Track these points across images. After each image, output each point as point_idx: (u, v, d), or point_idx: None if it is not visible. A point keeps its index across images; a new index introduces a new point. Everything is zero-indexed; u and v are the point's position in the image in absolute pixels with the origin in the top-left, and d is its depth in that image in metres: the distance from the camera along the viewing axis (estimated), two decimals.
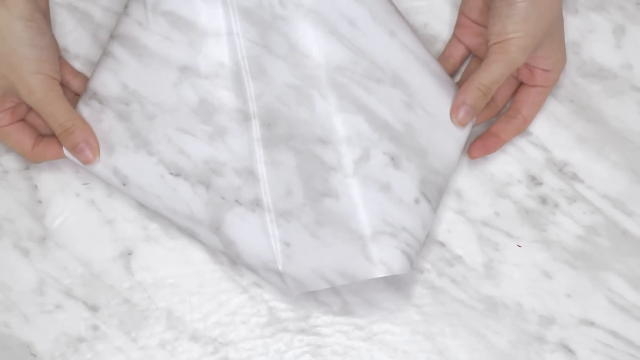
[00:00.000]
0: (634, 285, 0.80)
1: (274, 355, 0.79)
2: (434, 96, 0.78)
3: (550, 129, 0.82)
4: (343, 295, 0.80)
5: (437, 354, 0.79)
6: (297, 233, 0.75)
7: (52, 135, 0.78)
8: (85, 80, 0.80)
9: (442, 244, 0.81)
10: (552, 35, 0.77)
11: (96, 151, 0.77)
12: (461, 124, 0.77)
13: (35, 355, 0.79)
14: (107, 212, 0.81)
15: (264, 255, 0.76)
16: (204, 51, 0.77)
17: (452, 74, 0.82)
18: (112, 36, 0.78)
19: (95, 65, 0.79)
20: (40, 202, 0.81)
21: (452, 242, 0.81)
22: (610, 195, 0.82)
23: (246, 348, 0.79)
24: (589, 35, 0.84)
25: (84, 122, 0.77)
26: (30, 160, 0.78)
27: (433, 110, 0.77)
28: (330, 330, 0.79)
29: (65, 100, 0.76)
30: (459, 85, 0.80)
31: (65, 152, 0.77)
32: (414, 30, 0.79)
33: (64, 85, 0.80)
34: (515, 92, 0.81)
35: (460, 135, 0.78)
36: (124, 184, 0.77)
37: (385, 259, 0.74)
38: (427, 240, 0.80)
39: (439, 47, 0.84)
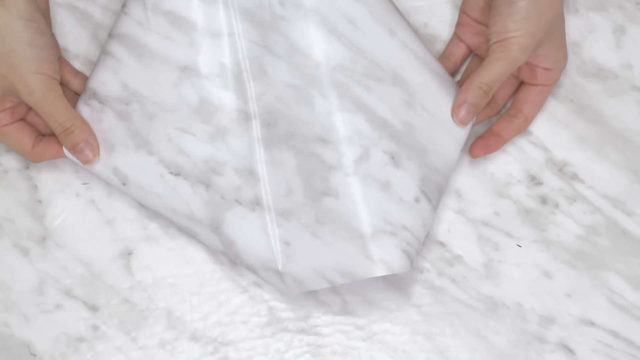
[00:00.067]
0: (634, 285, 0.80)
1: (274, 355, 0.79)
2: (433, 95, 0.78)
3: (550, 129, 0.82)
4: (343, 295, 0.80)
5: (437, 354, 0.79)
6: (297, 232, 0.75)
7: (52, 135, 0.78)
8: (86, 79, 0.80)
9: (442, 244, 0.81)
10: (553, 34, 0.77)
11: (96, 151, 0.77)
12: (462, 123, 0.77)
13: (35, 355, 0.79)
14: (107, 211, 0.81)
15: (263, 255, 0.76)
16: (204, 51, 0.77)
17: (453, 73, 0.82)
18: (111, 35, 0.78)
19: (94, 65, 0.79)
20: (40, 201, 0.81)
21: (452, 242, 0.81)
22: (610, 195, 0.82)
23: (246, 348, 0.79)
24: (589, 35, 0.84)
25: (83, 121, 0.77)
26: (30, 159, 0.78)
27: (433, 109, 0.77)
28: (330, 330, 0.79)
29: (65, 100, 0.76)
30: (460, 84, 0.80)
31: (65, 151, 0.77)
32: (414, 29, 0.79)
33: (64, 85, 0.80)
34: (516, 91, 0.81)
35: (460, 134, 0.78)
36: (123, 184, 0.77)
37: (385, 257, 0.74)
38: (427, 240, 0.80)
39: (439, 46, 0.84)
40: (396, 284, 0.80)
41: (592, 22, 0.84)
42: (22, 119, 0.78)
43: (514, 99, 0.81)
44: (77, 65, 0.82)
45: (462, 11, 0.82)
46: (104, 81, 0.78)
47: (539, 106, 0.81)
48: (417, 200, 0.75)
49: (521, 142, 0.82)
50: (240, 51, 0.76)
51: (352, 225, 0.74)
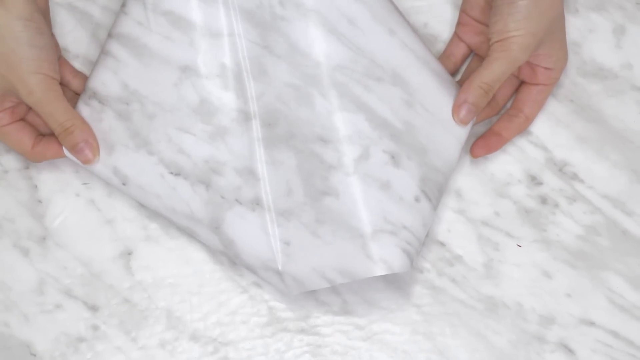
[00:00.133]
0: (634, 285, 0.80)
1: (274, 355, 0.79)
2: (434, 94, 0.78)
3: (550, 129, 0.82)
4: (343, 294, 0.80)
5: (437, 354, 0.79)
6: (297, 232, 0.75)
7: (52, 135, 0.78)
8: (86, 79, 0.80)
9: (442, 244, 0.81)
10: (553, 33, 0.77)
11: (96, 151, 0.77)
12: (463, 122, 0.77)
13: (35, 355, 0.79)
14: (107, 211, 0.81)
15: (263, 255, 0.76)
16: (204, 51, 0.77)
17: (453, 73, 0.82)
18: (111, 35, 0.78)
19: (94, 65, 0.79)
20: (40, 201, 0.81)
21: (452, 242, 0.81)
22: (610, 195, 0.82)
23: (246, 348, 0.79)
24: (589, 35, 0.84)
25: (83, 121, 0.77)
26: (30, 159, 0.78)
27: (433, 109, 0.77)
28: (330, 330, 0.79)
29: (65, 100, 0.76)
30: (460, 84, 0.80)
31: (65, 151, 0.77)
32: (414, 29, 0.79)
33: (64, 84, 0.80)
34: (516, 91, 0.81)
35: (460, 133, 0.78)
36: (123, 184, 0.77)
37: (385, 257, 0.74)
38: (427, 240, 0.80)
39: (440, 46, 0.84)
40: (396, 284, 0.80)
41: (592, 22, 0.84)
42: (22, 119, 0.78)
43: (515, 99, 0.81)
44: (77, 65, 0.82)
45: (463, 11, 0.82)
46: (104, 81, 0.78)
47: (539, 106, 0.81)
48: (417, 199, 0.75)
49: (521, 142, 0.82)
50: (241, 51, 0.77)
51: (352, 224, 0.74)
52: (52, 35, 0.80)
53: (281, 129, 0.76)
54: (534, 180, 0.82)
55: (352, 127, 0.75)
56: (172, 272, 0.80)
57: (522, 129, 0.81)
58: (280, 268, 0.76)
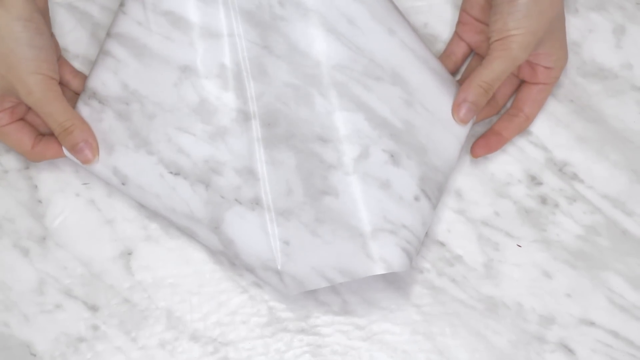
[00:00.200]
0: (634, 285, 0.80)
1: (274, 355, 0.79)
2: (433, 93, 0.78)
3: (550, 129, 0.82)
4: (343, 294, 0.80)
5: (437, 354, 0.79)
6: (296, 231, 0.75)
7: (52, 135, 0.78)
8: (85, 79, 0.80)
9: (442, 244, 0.81)
10: (553, 32, 0.77)
11: (95, 151, 0.77)
12: (463, 122, 0.78)
13: (35, 355, 0.79)
14: (107, 211, 0.81)
15: (263, 254, 0.76)
16: (204, 51, 0.77)
17: (454, 72, 0.82)
18: (110, 35, 0.78)
19: (93, 64, 0.79)
20: (40, 201, 0.81)
21: (452, 242, 0.81)
22: (610, 195, 0.82)
23: (246, 348, 0.79)
24: (589, 35, 0.84)
25: (83, 121, 0.77)
26: (30, 159, 0.78)
27: (433, 108, 0.77)
28: (330, 330, 0.79)
29: (64, 100, 0.76)
30: (460, 83, 0.80)
31: (65, 151, 0.77)
32: (414, 29, 0.79)
33: (64, 85, 0.80)
34: (516, 91, 0.81)
35: (460, 133, 0.78)
36: (123, 184, 0.77)
37: (385, 256, 0.74)
38: (427, 240, 0.80)
39: (440, 46, 0.84)
40: (396, 283, 0.80)
41: (592, 22, 0.84)
42: (22, 119, 0.78)
43: (515, 98, 0.81)
44: (77, 65, 0.82)
45: (463, 10, 0.82)
46: (104, 81, 0.78)
47: (539, 105, 0.81)
48: (416, 198, 0.75)
49: (521, 142, 0.82)
50: (240, 51, 0.77)
51: (351, 223, 0.74)
52: (52, 36, 0.80)
53: (281, 129, 0.76)
54: (534, 180, 0.82)
55: (351, 126, 0.75)
56: (172, 272, 0.80)
57: (523, 129, 0.81)
58: (279, 268, 0.76)
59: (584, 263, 0.80)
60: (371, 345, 0.79)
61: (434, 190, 0.77)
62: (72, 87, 0.81)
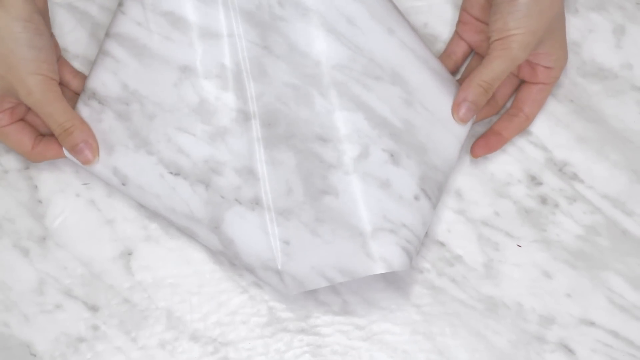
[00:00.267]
0: (634, 285, 0.80)
1: (274, 355, 0.79)
2: (433, 93, 0.78)
3: (550, 129, 0.82)
4: (343, 295, 0.80)
5: (437, 354, 0.79)
6: (296, 231, 0.75)
7: (52, 135, 0.78)
8: (85, 80, 0.80)
9: (442, 244, 0.81)
10: (553, 32, 0.77)
11: (95, 151, 0.77)
12: (462, 121, 0.78)
13: (35, 355, 0.79)
14: (107, 212, 0.81)
15: (263, 254, 0.76)
16: (204, 52, 0.77)
17: (454, 72, 0.82)
18: (109, 35, 0.78)
19: (92, 64, 0.79)
20: (40, 202, 0.81)
21: (452, 242, 0.81)
22: (610, 195, 0.82)
23: (246, 348, 0.79)
24: (589, 35, 0.84)
25: (83, 122, 0.77)
26: (31, 160, 0.78)
27: (432, 107, 0.77)
28: (330, 330, 0.79)
29: (64, 101, 0.76)
30: (460, 82, 0.80)
31: (65, 152, 0.77)
32: (413, 28, 0.79)
33: (64, 85, 0.80)
34: (516, 90, 0.81)
35: (460, 132, 0.78)
36: (123, 184, 0.77)
37: (385, 255, 0.74)
38: (427, 240, 0.80)
39: (440, 46, 0.84)
40: (396, 283, 0.80)
41: (592, 22, 0.84)
42: (22, 120, 0.78)
43: (515, 98, 0.81)
44: (77, 65, 0.82)
45: (463, 9, 0.82)
46: (104, 81, 0.78)
47: (539, 105, 0.81)
48: (416, 198, 0.75)
49: (521, 142, 0.82)
50: (240, 52, 0.77)
51: (351, 223, 0.74)
52: (52, 36, 0.80)
53: (281, 129, 0.76)
54: (534, 180, 0.82)
55: (351, 126, 0.75)
56: (172, 272, 0.80)
57: (522, 129, 0.81)
58: (279, 267, 0.76)
59: (584, 263, 0.80)
60: (371, 345, 0.79)
61: (434, 189, 0.77)
62: (72, 87, 0.80)
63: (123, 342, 0.79)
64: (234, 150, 0.77)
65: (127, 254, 0.80)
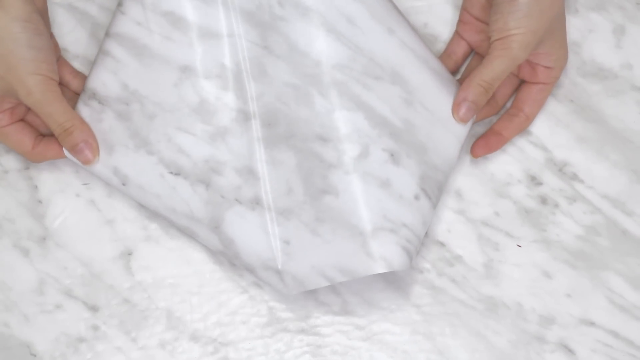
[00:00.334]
0: (634, 285, 0.80)
1: (274, 355, 0.79)
2: (433, 93, 0.78)
3: (550, 129, 0.82)
4: (343, 295, 0.80)
5: (437, 354, 0.79)
6: (297, 231, 0.75)
7: (52, 135, 0.78)
8: (85, 79, 0.80)
9: (442, 244, 0.81)
10: (553, 32, 0.77)
11: (95, 151, 0.77)
12: (463, 121, 0.78)
13: (35, 355, 0.79)
14: (107, 212, 0.81)
15: (263, 254, 0.76)
16: (204, 52, 0.77)
17: (454, 71, 0.82)
18: (109, 35, 0.78)
19: (92, 64, 0.79)
20: (40, 202, 0.81)
21: (452, 242, 0.81)
22: (610, 195, 0.82)
23: (246, 348, 0.79)
24: (589, 35, 0.84)
25: (82, 122, 0.77)
26: (31, 160, 0.78)
27: (432, 107, 0.77)
28: (330, 330, 0.79)
29: (64, 101, 0.76)
30: (460, 82, 0.80)
31: (66, 152, 0.77)
32: (413, 28, 0.79)
33: (64, 85, 0.80)
34: (516, 90, 0.81)
35: (460, 132, 0.78)
36: (123, 184, 0.78)
37: (385, 254, 0.74)
38: (427, 240, 0.80)
39: (440, 46, 0.84)
40: (396, 284, 0.80)
41: (592, 22, 0.84)
42: (22, 120, 0.78)
43: (515, 98, 0.81)
44: (77, 65, 0.82)
45: (464, 9, 0.82)
46: (104, 81, 0.78)
47: (540, 105, 0.81)
48: (416, 197, 0.75)
49: (521, 142, 0.82)
50: (241, 52, 0.77)
51: (352, 222, 0.74)
52: (51, 36, 0.80)
53: (281, 129, 0.76)
54: (534, 181, 0.82)
55: (351, 125, 0.75)
56: (172, 272, 0.80)
57: (523, 128, 0.81)
58: (280, 267, 0.76)
59: (584, 263, 0.80)
60: (371, 346, 0.79)
61: (434, 189, 0.77)
62: (72, 87, 0.80)
63: (123, 342, 0.79)
64: (234, 150, 0.77)
65: (127, 254, 0.80)
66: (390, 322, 0.80)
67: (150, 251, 0.80)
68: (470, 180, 0.82)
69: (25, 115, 0.79)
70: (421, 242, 0.76)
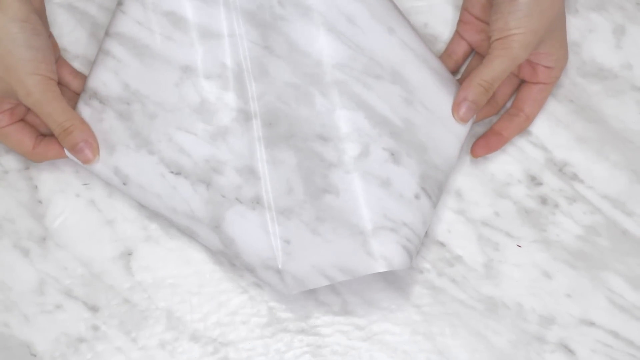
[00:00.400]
0: (634, 285, 0.80)
1: (274, 355, 0.79)
2: (433, 92, 0.78)
3: (550, 129, 0.82)
4: (343, 295, 0.80)
5: (437, 354, 0.79)
6: (297, 230, 0.76)
7: (53, 135, 0.78)
8: (85, 79, 0.80)
9: (442, 244, 0.81)
10: (554, 32, 0.77)
11: (96, 150, 0.77)
12: (463, 120, 0.78)
13: (35, 355, 0.79)
14: (108, 212, 0.81)
15: (263, 253, 0.76)
16: (206, 52, 0.77)
17: (454, 71, 0.82)
18: (109, 34, 0.78)
19: (93, 64, 0.79)
20: (40, 202, 0.81)
21: (452, 242, 0.81)
22: (610, 195, 0.82)
23: (246, 348, 0.79)
24: (589, 35, 0.84)
25: (82, 121, 0.77)
26: (32, 160, 0.78)
27: (432, 106, 0.77)
28: (330, 330, 0.79)
29: (64, 101, 0.76)
30: (461, 82, 0.80)
31: (66, 151, 0.77)
32: (413, 28, 0.79)
33: (64, 85, 0.80)
34: (516, 90, 0.81)
35: (460, 131, 0.78)
36: (124, 184, 0.78)
37: (385, 253, 0.74)
38: (427, 240, 0.80)
39: (440, 46, 0.84)
40: (396, 284, 0.80)
41: (592, 22, 0.84)
42: (22, 120, 0.78)
43: (515, 98, 0.81)
44: (77, 65, 0.82)
45: (464, 8, 0.82)
46: (105, 81, 0.78)
47: (540, 105, 0.81)
48: (417, 196, 0.76)
49: (521, 142, 0.82)
50: (242, 52, 0.77)
51: (352, 222, 0.74)
52: (50, 36, 0.80)
53: (281, 128, 0.76)
54: (534, 181, 0.82)
55: (351, 125, 0.75)
56: (172, 272, 0.80)
57: (523, 128, 0.81)
58: (280, 267, 0.76)
59: (584, 263, 0.80)
60: (371, 346, 0.79)
61: (434, 188, 0.77)
62: (72, 87, 0.80)
63: (123, 342, 0.79)
64: (235, 149, 0.77)
65: (127, 254, 0.80)
66: (390, 322, 0.80)
67: (151, 251, 0.80)
68: (470, 180, 0.82)
69: (25, 116, 0.79)
70: (421, 241, 0.76)
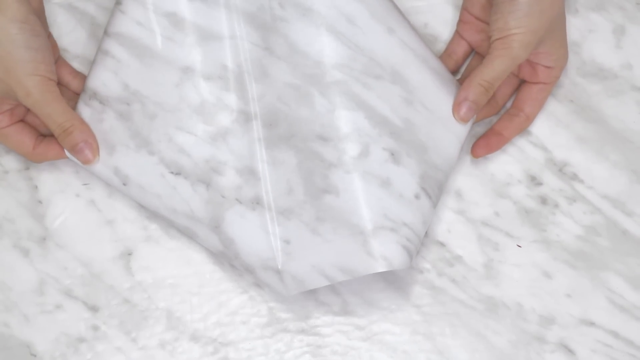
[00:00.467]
0: (634, 285, 0.80)
1: (274, 355, 0.79)
2: (433, 92, 0.78)
3: (550, 129, 0.82)
4: (343, 295, 0.80)
5: (437, 354, 0.79)
6: (297, 230, 0.76)
7: (53, 135, 0.78)
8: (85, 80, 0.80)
9: (442, 244, 0.81)
10: (554, 31, 0.77)
11: (95, 151, 0.77)
12: (463, 120, 0.78)
13: (35, 355, 0.79)
14: (108, 212, 0.81)
15: (263, 254, 0.76)
16: (206, 53, 0.77)
17: (454, 71, 0.82)
18: (108, 34, 0.78)
19: (92, 64, 0.79)
20: (40, 202, 0.81)
21: (452, 242, 0.81)
22: (610, 195, 0.82)
23: (246, 348, 0.79)
24: (589, 35, 0.84)
25: (82, 122, 0.77)
26: (32, 160, 0.78)
27: (432, 106, 0.77)
28: (330, 330, 0.79)
29: (63, 101, 0.76)
30: (461, 82, 0.80)
31: (66, 152, 0.77)
32: (413, 28, 0.79)
33: (64, 85, 0.80)
34: (516, 90, 0.81)
35: (460, 131, 0.78)
36: (124, 184, 0.78)
37: (385, 253, 0.74)
38: (427, 240, 0.80)
39: (440, 46, 0.84)
40: (396, 284, 0.80)
41: (592, 22, 0.84)
42: (22, 120, 0.78)
43: (515, 98, 0.81)
44: (77, 65, 0.82)
45: (464, 8, 0.82)
46: (105, 81, 0.78)
47: (540, 104, 0.81)
48: (417, 196, 0.76)
49: (521, 143, 0.82)
50: (242, 53, 0.77)
51: (352, 222, 0.74)
52: (49, 36, 0.80)
53: (282, 129, 0.76)
54: (534, 181, 0.82)
55: (351, 125, 0.75)
56: (172, 272, 0.80)
57: (523, 128, 0.81)
58: (280, 267, 0.76)
59: (584, 263, 0.80)
60: (371, 346, 0.79)
61: (434, 188, 0.77)
62: (71, 87, 0.80)
63: (123, 342, 0.79)
64: (235, 150, 0.77)
65: (127, 254, 0.80)
66: (390, 322, 0.80)
67: (150, 251, 0.80)
68: (470, 180, 0.82)
69: (25, 116, 0.79)
70: (421, 241, 0.76)
